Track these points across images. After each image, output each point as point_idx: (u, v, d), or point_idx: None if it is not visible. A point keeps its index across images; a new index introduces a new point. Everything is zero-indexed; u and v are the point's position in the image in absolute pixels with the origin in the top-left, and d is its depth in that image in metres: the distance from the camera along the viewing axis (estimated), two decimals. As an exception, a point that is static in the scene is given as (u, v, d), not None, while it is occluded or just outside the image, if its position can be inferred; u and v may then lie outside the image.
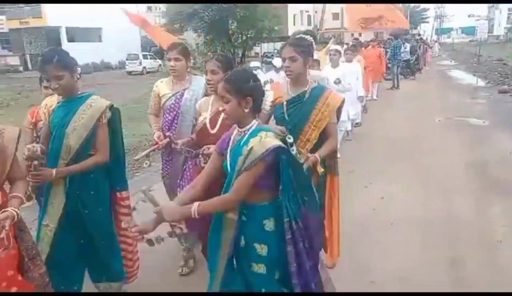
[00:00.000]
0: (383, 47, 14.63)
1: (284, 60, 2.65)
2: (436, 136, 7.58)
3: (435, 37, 49.30)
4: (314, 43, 2.70)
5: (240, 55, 32.05)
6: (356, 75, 6.90)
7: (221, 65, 2.77)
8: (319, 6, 29.88)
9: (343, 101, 2.76)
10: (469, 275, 3.25)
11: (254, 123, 2.01)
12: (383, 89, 13.40)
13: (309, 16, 50.61)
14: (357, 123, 8.25)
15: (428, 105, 10.87)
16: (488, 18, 76.62)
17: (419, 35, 49.64)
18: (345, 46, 8.87)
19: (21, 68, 30.97)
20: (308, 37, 2.65)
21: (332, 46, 6.64)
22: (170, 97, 3.19)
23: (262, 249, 1.99)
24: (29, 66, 31.23)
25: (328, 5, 38.40)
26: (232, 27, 32.52)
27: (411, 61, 16.61)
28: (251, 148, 1.88)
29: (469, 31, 63.26)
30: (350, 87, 5.93)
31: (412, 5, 70.55)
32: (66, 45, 31.19)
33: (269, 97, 2.69)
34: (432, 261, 3.43)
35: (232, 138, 2.07)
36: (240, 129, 2.03)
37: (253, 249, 2.00)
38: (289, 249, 1.96)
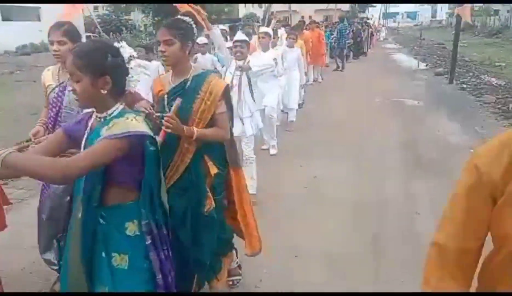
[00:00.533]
0: (329, 30, 14.84)
1: (159, 43, 2.31)
2: (373, 117, 7.85)
3: (382, 22, 50.71)
4: (194, 26, 2.35)
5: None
6: (296, 61, 6.96)
7: (67, 34, 2.46)
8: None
9: (226, 88, 2.44)
10: (389, 247, 3.42)
11: (118, 107, 1.68)
12: (328, 71, 13.70)
13: (259, -2, 50.30)
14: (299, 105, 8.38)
15: (369, 87, 11.23)
16: (430, 3, 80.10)
17: (368, 19, 50.93)
18: (284, 29, 8.93)
19: (-51, 50, 28.48)
20: (187, 18, 2.33)
21: (261, 28, 6.56)
22: (53, 88, 2.59)
23: (121, 260, 1.71)
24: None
25: (278, -13, 38.34)
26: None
27: (350, 45, 16.98)
28: (112, 126, 1.59)
29: (413, 16, 66.01)
30: (282, 72, 5.69)
31: (360, -11, 72.18)
32: (1, 25, 29.13)
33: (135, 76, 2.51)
34: (355, 237, 3.57)
35: (89, 124, 1.73)
36: (98, 115, 1.69)
37: (112, 259, 1.71)
38: (151, 256, 1.72)
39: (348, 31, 15.03)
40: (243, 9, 44.92)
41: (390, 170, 5.11)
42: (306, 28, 11.29)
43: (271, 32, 5.81)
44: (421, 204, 4.17)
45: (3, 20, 29.61)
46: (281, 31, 8.92)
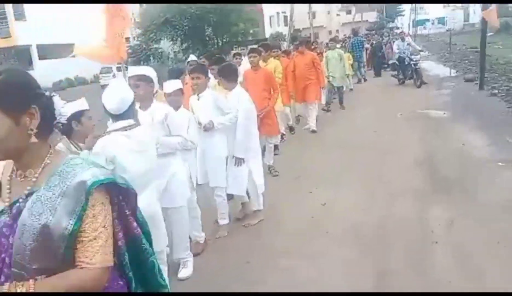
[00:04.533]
0: (345, 46, 14.38)
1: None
2: (393, 133, 7.45)
3: (411, 30, 49.71)
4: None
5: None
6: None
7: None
8: (297, 6, 29.98)
9: None
10: (400, 283, 3.08)
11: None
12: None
13: (285, 17, 50.70)
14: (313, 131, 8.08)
15: (391, 100, 10.81)
16: (463, 7, 77.86)
17: (397, 28, 50.00)
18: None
19: (-7, 90, 30.31)
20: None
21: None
22: None
23: None
24: (1, 87, 30.58)
25: (300, 4, 38.47)
26: (207, 33, 32.56)
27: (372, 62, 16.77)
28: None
29: (442, 21, 64.19)
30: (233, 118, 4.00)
31: (387, -1, 71.44)
32: (38, 64, 30.79)
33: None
34: (362, 273, 3.26)
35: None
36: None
37: None
38: None
39: (362, 44, 15.18)
40: (269, 29, 45.32)
41: (406, 193, 4.73)
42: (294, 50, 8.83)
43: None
44: (440, 232, 3.78)
45: (40, 59, 31.24)
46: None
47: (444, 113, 8.73)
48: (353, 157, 6.21)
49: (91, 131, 2.74)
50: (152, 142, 2.74)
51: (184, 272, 3.41)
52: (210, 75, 4.27)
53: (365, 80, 15.14)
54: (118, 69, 30.48)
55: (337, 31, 59.23)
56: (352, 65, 13.62)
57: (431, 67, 18.59)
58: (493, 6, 10.25)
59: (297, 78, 7.70)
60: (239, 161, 4.05)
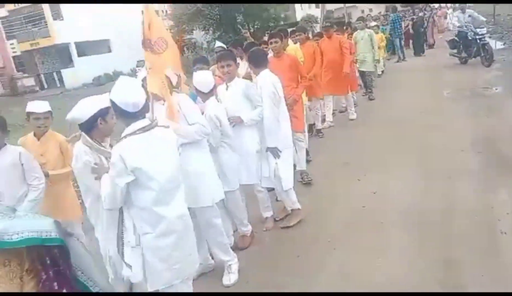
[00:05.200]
0: (380, 27, 13.47)
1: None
2: (442, 112, 7.03)
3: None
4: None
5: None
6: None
7: None
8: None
9: None
10: (467, 279, 2.84)
11: None
12: (390, 63, 12.86)
13: (316, -2, 49.58)
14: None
15: (436, 79, 10.20)
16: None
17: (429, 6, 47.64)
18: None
19: (37, 88, 31.65)
20: None
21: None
22: None
23: None
24: (45, 85, 31.89)
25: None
26: (238, 20, 32.38)
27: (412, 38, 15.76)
28: None
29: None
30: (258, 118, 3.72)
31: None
32: (77, 61, 31.76)
33: None
34: (425, 266, 3.03)
35: None
36: None
37: None
38: None
39: (401, 21, 14.41)
40: (300, 12, 44.39)
41: (465, 176, 4.40)
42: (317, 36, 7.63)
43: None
44: (508, 221, 3.43)
45: (78, 56, 32.18)
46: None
47: (496, 89, 8.14)
48: (401, 140, 5.89)
49: (111, 130, 2.55)
50: (175, 140, 2.49)
51: (228, 279, 3.23)
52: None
53: (404, 59, 14.45)
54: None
55: (370, 10, 57.31)
56: (385, 46, 12.57)
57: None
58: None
59: (325, 66, 6.70)
60: (273, 151, 3.71)
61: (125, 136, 2.27)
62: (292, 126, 4.17)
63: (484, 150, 5.03)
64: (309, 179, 4.87)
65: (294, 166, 4.61)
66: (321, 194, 4.55)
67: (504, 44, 14.34)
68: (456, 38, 11.41)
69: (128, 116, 2.28)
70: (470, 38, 10.69)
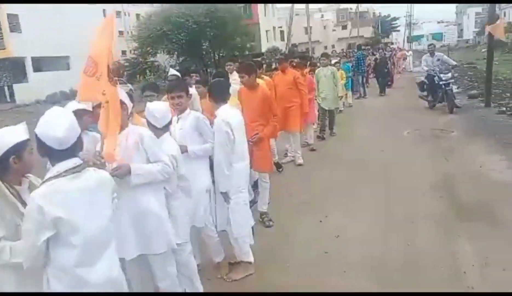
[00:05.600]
0: (346, 61, 13.81)
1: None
2: (403, 153, 7.06)
3: (407, 46, 49.92)
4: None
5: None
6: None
7: None
8: (293, 22, 29.98)
9: None
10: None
11: None
12: (351, 100, 13.11)
13: (281, 32, 50.97)
14: (312, 148, 7.69)
15: (395, 118, 10.43)
16: (456, 23, 78.91)
17: (392, 43, 50.22)
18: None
19: (-15, 100, 29.89)
20: None
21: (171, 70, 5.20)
22: None
23: None
24: (-6, 98, 30.17)
25: (297, 20, 38.49)
26: (204, 46, 32.48)
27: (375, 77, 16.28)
28: None
29: (439, 37, 64.82)
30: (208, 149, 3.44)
31: (382, 14, 72.36)
32: (32, 75, 30.40)
33: None
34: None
35: None
36: None
37: None
38: None
39: (365, 59, 15.05)
40: (266, 43, 45.28)
41: (427, 221, 4.31)
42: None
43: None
44: (474, 274, 3.30)
45: (34, 71, 30.87)
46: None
47: (453, 131, 8.36)
48: (362, 179, 5.79)
49: (31, 168, 2.08)
50: (110, 185, 2.08)
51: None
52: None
53: (365, 96, 14.85)
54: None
55: (333, 46, 59.56)
56: (345, 84, 12.11)
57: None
58: (500, 21, 10.02)
59: (277, 101, 5.90)
60: (224, 196, 3.38)
61: (47, 180, 1.89)
62: (256, 167, 3.88)
63: (444, 194, 5.00)
64: (270, 222, 4.51)
65: (254, 202, 4.34)
66: (281, 236, 4.28)
67: (458, 88, 15.06)
68: (425, 80, 11.24)
69: (54, 155, 1.91)
70: (436, 82, 10.62)
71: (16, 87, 29.81)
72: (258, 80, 4.94)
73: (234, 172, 3.36)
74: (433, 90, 10.84)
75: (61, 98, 29.96)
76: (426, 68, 11.03)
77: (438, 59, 10.88)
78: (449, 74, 10.56)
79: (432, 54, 11.10)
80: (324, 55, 9.55)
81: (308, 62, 9.10)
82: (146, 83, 3.99)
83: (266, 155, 4.45)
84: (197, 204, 3.29)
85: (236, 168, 3.39)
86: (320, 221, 4.51)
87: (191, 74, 5.36)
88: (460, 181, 5.42)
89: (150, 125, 2.91)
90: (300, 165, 6.78)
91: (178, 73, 5.11)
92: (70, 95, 32.08)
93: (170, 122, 3.00)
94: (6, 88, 30.39)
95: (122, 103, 2.55)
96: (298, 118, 6.60)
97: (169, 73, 5.25)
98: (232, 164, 3.35)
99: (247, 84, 4.49)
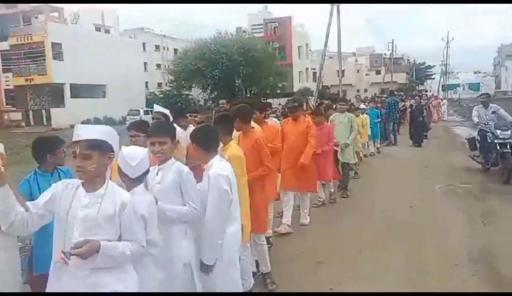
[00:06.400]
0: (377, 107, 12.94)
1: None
2: (434, 212, 6.38)
3: (440, 94, 48.86)
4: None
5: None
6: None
7: None
8: (327, 64, 29.88)
9: None
10: None
11: None
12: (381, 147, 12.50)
13: (314, 73, 51.32)
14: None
15: (429, 169, 9.74)
16: (494, 74, 77.28)
17: (426, 91, 49.36)
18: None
19: (23, 123, 31.06)
20: None
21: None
22: None
23: None
24: (31, 122, 31.32)
25: (331, 62, 38.55)
26: (237, 83, 33.05)
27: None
28: None
29: (475, 87, 63.36)
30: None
31: (417, 61, 71.89)
32: (69, 101, 31.53)
33: None
34: None
35: None
36: None
37: None
38: None
39: (397, 105, 14.64)
40: (298, 84, 45.49)
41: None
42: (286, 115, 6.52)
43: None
44: None
45: (71, 97, 32.05)
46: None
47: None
48: (384, 241, 5.17)
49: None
50: None
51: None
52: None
53: (395, 144, 14.17)
54: (146, 112, 30.92)
55: (365, 90, 59.34)
56: (370, 134, 10.81)
57: (466, 133, 17.50)
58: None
59: (286, 153, 5.40)
60: (205, 269, 2.75)
61: None
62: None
63: (480, 268, 4.32)
64: (273, 286, 3.88)
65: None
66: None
67: None
68: (477, 137, 9.12)
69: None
70: (489, 140, 8.37)
71: (53, 111, 30.94)
72: (253, 124, 4.26)
73: (226, 239, 2.81)
74: (486, 150, 8.73)
75: (95, 124, 30.77)
76: (476, 120, 8.96)
77: (494, 112, 8.72)
78: (509, 132, 8.07)
79: (485, 105, 8.95)
80: (342, 100, 8.58)
81: (335, 106, 8.59)
82: (134, 121, 3.56)
83: (261, 213, 3.76)
84: (172, 279, 2.59)
85: (229, 234, 2.83)
86: (331, 289, 3.92)
87: (188, 115, 4.73)
88: (500, 253, 4.69)
89: (122, 174, 2.43)
90: (303, 225, 5.78)
91: (165, 111, 4.24)
92: (103, 122, 33.01)
93: (146, 172, 2.47)
94: (43, 111, 31.55)
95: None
96: (312, 174, 5.76)
97: (154, 110, 4.36)
98: (225, 230, 2.81)
99: (238, 129, 3.89)
